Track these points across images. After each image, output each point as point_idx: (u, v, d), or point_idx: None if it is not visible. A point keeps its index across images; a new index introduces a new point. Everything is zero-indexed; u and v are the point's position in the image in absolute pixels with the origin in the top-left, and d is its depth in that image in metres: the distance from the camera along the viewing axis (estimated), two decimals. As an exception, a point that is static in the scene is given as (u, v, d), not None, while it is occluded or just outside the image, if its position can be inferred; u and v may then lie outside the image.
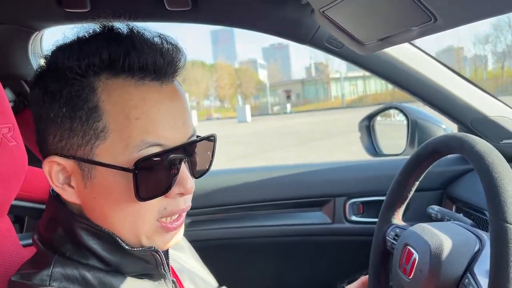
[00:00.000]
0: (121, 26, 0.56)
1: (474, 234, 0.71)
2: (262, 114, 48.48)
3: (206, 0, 0.94)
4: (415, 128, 1.31)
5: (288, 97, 59.93)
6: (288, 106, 49.10)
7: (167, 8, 0.91)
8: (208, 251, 0.92)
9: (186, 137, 0.56)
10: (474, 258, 0.67)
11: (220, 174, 1.48)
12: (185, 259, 0.81)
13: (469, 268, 0.66)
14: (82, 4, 0.85)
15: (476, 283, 0.62)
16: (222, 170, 1.54)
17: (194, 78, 73.86)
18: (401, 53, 1.14)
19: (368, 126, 1.47)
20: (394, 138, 1.47)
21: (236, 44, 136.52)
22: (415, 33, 0.70)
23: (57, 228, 0.57)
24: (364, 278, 0.94)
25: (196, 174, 0.59)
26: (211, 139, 0.61)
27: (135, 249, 0.57)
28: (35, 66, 1.06)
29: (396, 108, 1.40)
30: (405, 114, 1.35)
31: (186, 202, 0.58)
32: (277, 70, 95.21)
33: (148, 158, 0.52)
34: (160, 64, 0.54)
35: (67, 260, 0.56)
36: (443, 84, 1.17)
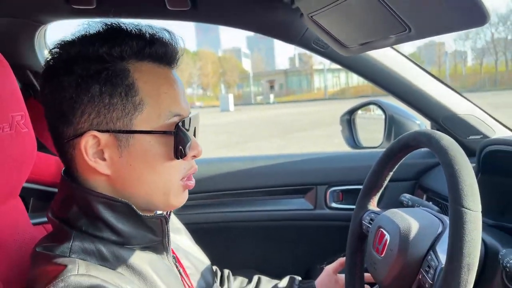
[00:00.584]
0: (128, 24, 0.66)
1: (439, 218, 0.79)
2: (245, 103, 48.09)
3: (204, 2, 0.99)
4: (392, 123, 1.37)
5: (272, 87, 59.67)
6: (271, 96, 48.83)
7: (168, 7, 0.96)
8: (200, 233, 0.97)
9: (189, 110, 0.69)
10: (437, 238, 0.74)
11: (212, 162, 1.53)
12: (181, 239, 0.88)
13: (432, 246, 0.73)
14: (89, 1, 0.90)
15: (437, 259, 0.70)
16: (213, 158, 1.60)
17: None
18: (381, 55, 1.21)
19: (349, 120, 1.53)
20: (372, 131, 1.53)
21: (220, 32, 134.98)
22: (392, 40, 0.78)
23: (72, 206, 0.64)
24: (342, 259, 1.02)
25: None
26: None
27: (147, 215, 0.65)
28: (40, 57, 1.11)
29: (375, 104, 1.46)
30: (383, 110, 1.41)
31: (195, 164, 0.70)
32: (261, 59, 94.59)
33: (182, 122, 0.64)
34: (173, 53, 0.67)
35: (84, 234, 0.62)
36: (418, 84, 1.25)
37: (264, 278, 1.06)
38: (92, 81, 0.61)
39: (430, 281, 0.68)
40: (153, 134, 0.63)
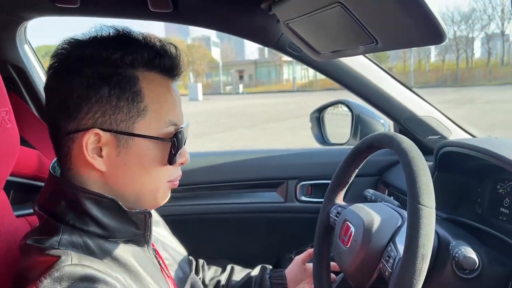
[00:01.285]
0: (138, 32, 0.69)
1: (398, 213, 0.85)
2: (214, 93, 47.43)
3: (186, 5, 1.01)
4: (358, 122, 1.44)
5: (241, 77, 59.16)
6: (241, 86, 48.33)
7: (150, 9, 0.98)
8: (177, 225, 1.01)
9: (183, 120, 0.73)
10: (396, 231, 0.80)
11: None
12: (159, 231, 0.92)
13: (392, 238, 0.79)
14: (73, 0, 0.91)
15: (396, 249, 0.76)
16: (189, 153, 1.63)
17: (144, 52, 70.52)
18: (350, 59, 1.27)
19: (318, 118, 1.59)
20: (340, 127, 1.59)
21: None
22: (361, 50, 0.84)
23: (60, 200, 0.66)
24: (310, 250, 1.06)
25: None
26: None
27: (133, 211, 0.69)
28: (20, 52, 1.11)
29: (343, 103, 1.52)
30: (350, 109, 1.47)
31: (180, 171, 0.75)
32: (231, 49, 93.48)
33: (178, 131, 0.69)
34: (178, 66, 0.71)
35: (72, 228, 0.65)
36: (383, 87, 1.31)
37: (237, 267, 1.10)
38: (103, 83, 0.64)
39: (390, 270, 0.74)
40: (152, 139, 0.67)
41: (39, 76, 1.38)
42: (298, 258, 1.08)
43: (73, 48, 0.66)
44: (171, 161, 0.69)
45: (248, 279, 1.06)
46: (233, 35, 1.15)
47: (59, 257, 0.59)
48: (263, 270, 1.08)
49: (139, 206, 0.72)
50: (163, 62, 0.68)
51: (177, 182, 0.75)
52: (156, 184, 0.71)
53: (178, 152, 0.70)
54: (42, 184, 0.99)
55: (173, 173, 0.73)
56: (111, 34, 0.68)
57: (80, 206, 0.66)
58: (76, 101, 0.64)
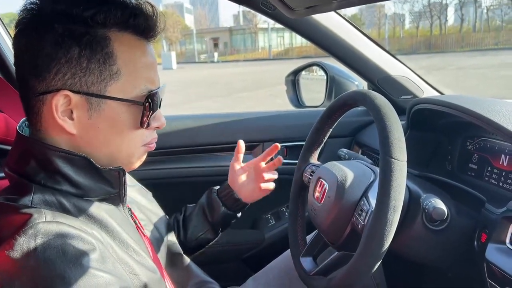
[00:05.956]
0: None
1: (371, 169, 0.87)
2: (189, 61, 46.56)
3: None
4: (332, 83, 1.44)
5: (216, 45, 58.05)
6: (216, 54, 47.47)
7: None
8: (151, 189, 1.00)
9: (159, 83, 0.72)
10: (369, 186, 0.82)
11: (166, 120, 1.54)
12: (135, 194, 0.91)
13: (365, 193, 0.81)
14: None
15: (368, 203, 0.78)
16: (165, 116, 1.60)
17: (115, 19, 68.19)
18: (325, 18, 1.25)
19: (293, 81, 1.58)
20: (315, 91, 1.60)
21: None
22: (335, 5, 0.82)
23: (30, 160, 0.65)
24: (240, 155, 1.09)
25: None
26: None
27: (106, 168, 0.68)
28: None
29: (318, 65, 1.52)
30: (325, 71, 1.47)
31: (156, 134, 0.74)
32: (205, 16, 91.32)
33: (152, 94, 0.67)
34: (153, 27, 0.68)
35: (44, 188, 0.64)
36: (357, 47, 1.30)
37: (190, 205, 1.13)
38: (73, 42, 0.61)
39: (362, 223, 0.76)
40: (124, 102, 0.66)
41: (3, 38, 1.31)
42: (232, 164, 1.09)
43: (44, 3, 0.63)
44: (144, 124, 0.68)
45: (199, 207, 1.09)
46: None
47: (31, 214, 0.58)
48: (209, 192, 1.10)
49: (113, 166, 0.70)
50: (138, 22, 0.65)
51: (153, 145, 0.75)
52: (130, 147, 0.70)
53: (153, 116, 0.70)
54: (10, 148, 0.96)
55: (148, 137, 0.72)
56: None
57: (51, 165, 0.64)
58: (45, 60, 0.61)
